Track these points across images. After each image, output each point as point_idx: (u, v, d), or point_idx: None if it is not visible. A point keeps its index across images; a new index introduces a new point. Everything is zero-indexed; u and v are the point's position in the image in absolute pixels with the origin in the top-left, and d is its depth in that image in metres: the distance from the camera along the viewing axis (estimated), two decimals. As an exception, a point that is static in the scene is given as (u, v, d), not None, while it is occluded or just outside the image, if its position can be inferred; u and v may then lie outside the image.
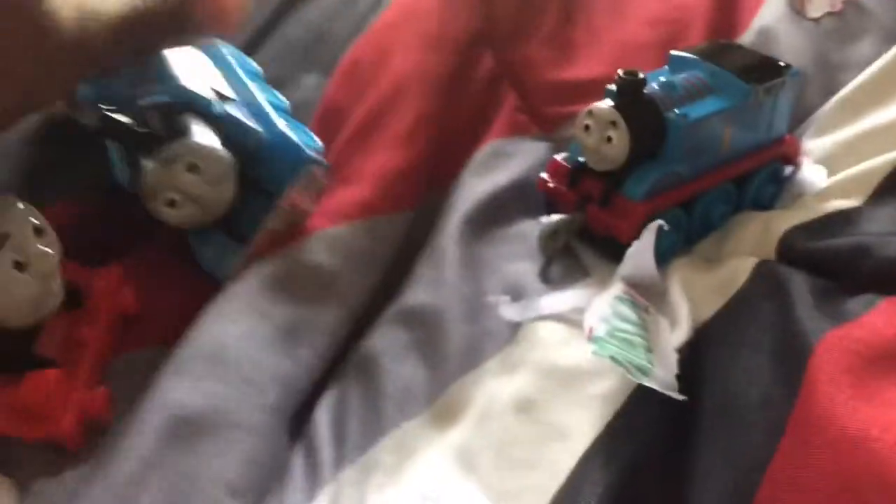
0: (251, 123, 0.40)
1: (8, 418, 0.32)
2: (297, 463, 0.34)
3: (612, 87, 0.41)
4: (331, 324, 0.37)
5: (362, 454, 0.34)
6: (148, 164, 0.37)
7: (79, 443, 0.33)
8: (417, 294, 0.40)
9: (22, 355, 0.33)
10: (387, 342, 0.38)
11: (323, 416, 0.35)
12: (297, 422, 0.36)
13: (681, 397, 0.33)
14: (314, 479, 0.33)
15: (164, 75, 0.40)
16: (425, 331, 0.38)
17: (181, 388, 0.33)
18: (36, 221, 0.33)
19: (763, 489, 0.30)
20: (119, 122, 0.37)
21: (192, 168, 0.37)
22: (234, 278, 0.38)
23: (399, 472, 0.34)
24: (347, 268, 0.39)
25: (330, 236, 0.40)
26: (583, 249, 0.43)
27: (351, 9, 0.55)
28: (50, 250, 0.33)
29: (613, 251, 0.41)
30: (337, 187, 0.42)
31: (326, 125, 0.47)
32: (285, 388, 0.34)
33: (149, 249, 0.41)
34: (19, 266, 0.32)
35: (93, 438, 0.33)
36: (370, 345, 0.38)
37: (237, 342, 0.35)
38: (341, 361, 0.38)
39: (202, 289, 0.38)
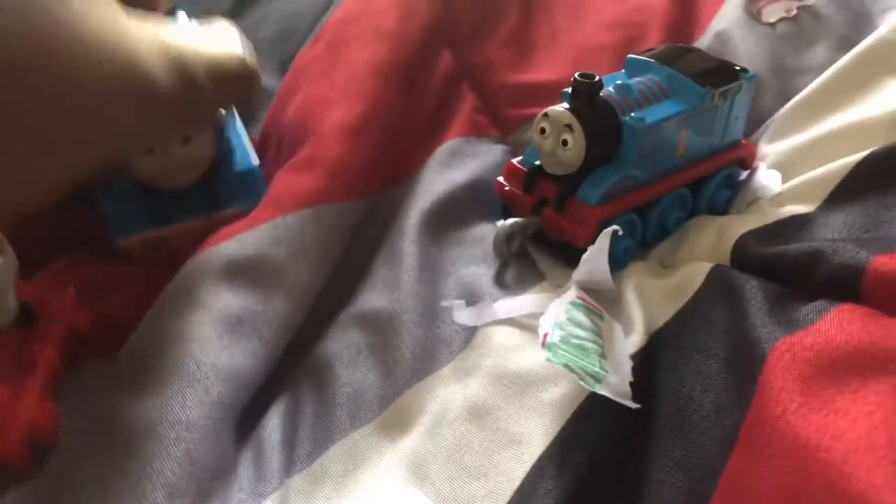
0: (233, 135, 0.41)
1: None
2: (245, 465, 0.33)
3: (568, 90, 0.41)
4: (280, 314, 0.37)
5: (311, 462, 0.34)
6: None
7: (23, 462, 0.31)
8: (374, 297, 0.39)
9: None
10: (341, 346, 0.37)
11: (275, 420, 0.35)
12: (250, 422, 0.35)
13: (634, 405, 0.32)
14: (261, 485, 0.32)
15: None
16: (380, 336, 0.38)
17: (123, 388, 0.32)
18: None
19: (716, 498, 0.29)
20: None
21: None
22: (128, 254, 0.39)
23: (348, 482, 0.33)
24: (295, 257, 0.38)
25: (276, 225, 0.39)
26: (538, 254, 0.43)
27: (309, 7, 0.55)
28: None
29: (569, 256, 0.40)
30: (284, 175, 0.41)
31: (275, 117, 0.47)
32: (230, 383, 0.33)
33: (81, 254, 0.40)
34: None
35: (39, 456, 0.32)
36: (324, 348, 0.37)
37: (182, 338, 0.34)
38: (298, 365, 0.37)
39: (146, 292, 0.37)
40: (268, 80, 0.51)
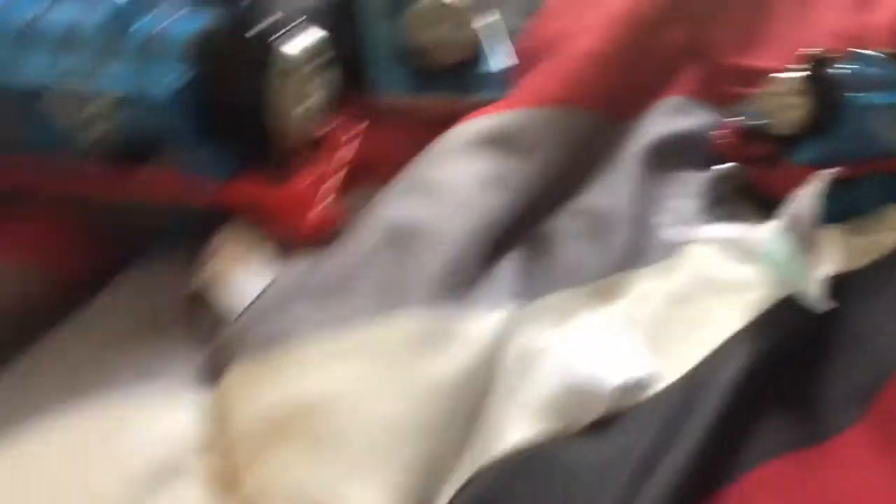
0: None
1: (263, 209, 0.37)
2: (483, 286, 0.37)
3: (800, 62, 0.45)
4: (532, 181, 0.41)
5: (533, 300, 0.38)
6: None
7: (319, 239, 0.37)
8: (598, 197, 0.44)
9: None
10: (567, 225, 0.43)
11: (510, 261, 0.39)
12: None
13: (827, 306, 0.36)
14: (494, 302, 0.37)
15: None
16: (598, 226, 0.42)
17: (399, 207, 0.37)
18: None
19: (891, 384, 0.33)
20: None
21: None
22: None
23: (566, 320, 0.38)
24: (541, 140, 0.43)
25: (527, 112, 0.43)
26: (743, 206, 0.47)
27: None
28: None
29: (773, 212, 0.44)
30: (535, 78, 0.46)
31: (525, 46, 0.52)
32: (488, 220, 0.38)
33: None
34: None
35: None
36: (553, 223, 0.42)
37: (452, 178, 0.39)
38: (531, 228, 0.42)
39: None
40: (516, 21, 0.56)
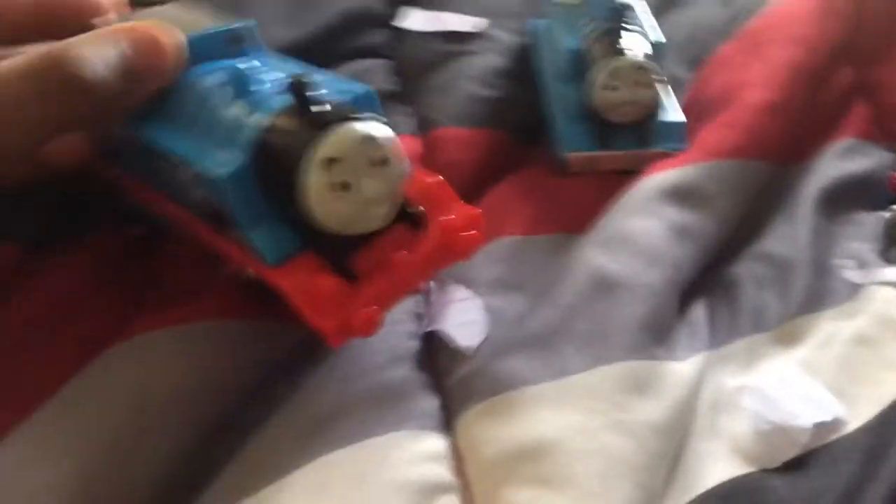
0: None
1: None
2: (677, 334, 0.41)
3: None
4: (713, 231, 0.44)
5: (719, 347, 0.41)
6: None
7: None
8: (775, 242, 0.47)
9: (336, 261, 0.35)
10: (747, 271, 0.45)
11: (700, 307, 0.43)
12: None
13: None
14: (689, 348, 0.40)
15: None
16: (779, 271, 0.45)
17: (598, 258, 0.41)
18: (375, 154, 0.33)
19: None
20: None
21: None
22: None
23: (751, 369, 0.41)
24: (722, 193, 0.46)
25: (707, 166, 0.47)
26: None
27: (722, 13, 0.63)
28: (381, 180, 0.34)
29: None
30: (711, 131, 0.49)
31: (693, 97, 0.55)
32: (678, 271, 0.42)
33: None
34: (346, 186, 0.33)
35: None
36: (734, 269, 0.45)
37: (642, 231, 0.42)
38: (712, 275, 0.45)
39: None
40: (679, 71, 0.59)
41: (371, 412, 0.36)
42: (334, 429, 0.35)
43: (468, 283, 0.43)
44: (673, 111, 0.52)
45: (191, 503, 0.35)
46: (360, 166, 0.33)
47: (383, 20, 0.66)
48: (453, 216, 0.37)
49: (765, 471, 0.36)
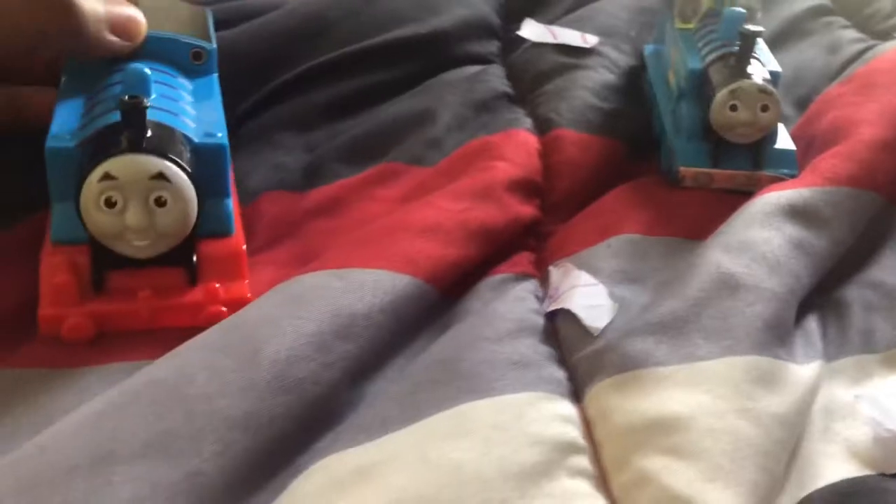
0: None
1: None
2: (795, 342, 0.42)
3: None
4: (827, 252, 0.46)
5: (832, 360, 0.43)
6: None
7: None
8: (883, 272, 0.48)
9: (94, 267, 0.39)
10: (856, 297, 0.46)
11: (813, 319, 0.44)
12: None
13: None
14: (806, 356, 0.41)
15: None
16: (887, 301, 0.46)
17: (724, 259, 0.43)
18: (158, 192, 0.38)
19: None
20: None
21: None
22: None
23: (860, 383, 0.42)
24: (837, 218, 0.47)
25: (825, 190, 0.48)
26: None
27: (830, 58, 0.65)
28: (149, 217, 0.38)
29: None
30: (823, 161, 0.51)
31: (800, 132, 0.57)
32: (796, 280, 0.43)
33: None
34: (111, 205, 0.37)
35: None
36: (844, 291, 0.47)
37: (763, 241, 0.44)
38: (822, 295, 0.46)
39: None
40: (784, 108, 0.61)
41: (508, 372, 0.37)
42: (473, 382, 0.36)
43: (591, 271, 0.45)
44: (784, 139, 0.54)
45: (326, 438, 0.36)
46: (133, 194, 0.37)
47: (495, 30, 0.69)
48: (222, 286, 0.41)
49: (883, 475, 0.37)
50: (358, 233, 0.45)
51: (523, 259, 0.48)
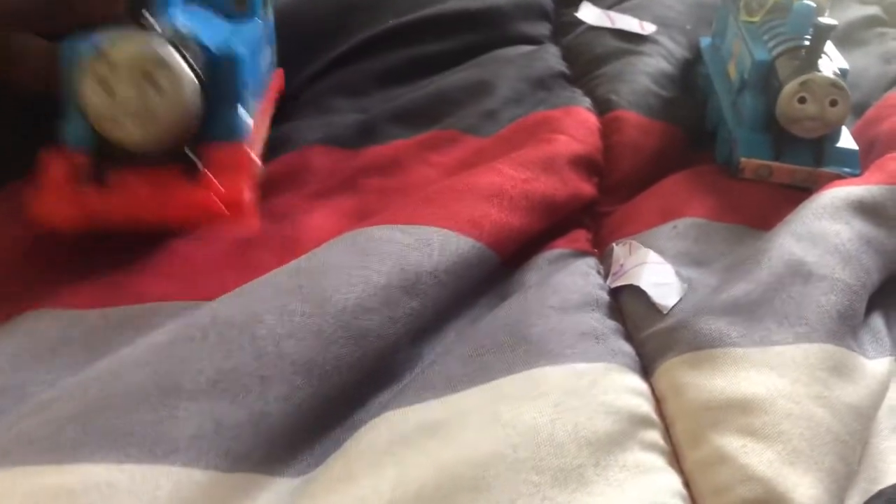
0: None
1: None
2: (864, 335, 0.41)
3: None
4: (890, 250, 0.44)
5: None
6: None
7: None
8: None
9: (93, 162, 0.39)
10: None
11: (878, 318, 0.43)
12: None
13: None
14: (877, 350, 0.40)
15: None
16: None
17: (795, 247, 0.41)
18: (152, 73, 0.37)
19: None
20: None
21: None
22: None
23: None
24: None
25: (891, 189, 0.47)
26: None
27: (885, 68, 0.65)
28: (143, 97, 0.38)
29: None
30: (890, 161, 0.50)
31: (859, 134, 0.56)
32: (867, 274, 0.42)
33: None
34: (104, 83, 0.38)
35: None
36: None
37: (833, 234, 0.43)
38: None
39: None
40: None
41: (577, 342, 0.36)
42: (544, 348, 0.35)
43: (654, 251, 0.43)
44: (847, 139, 0.53)
45: (386, 393, 0.35)
46: (127, 74, 0.37)
47: (548, 13, 0.68)
48: (222, 188, 0.40)
49: None
50: (423, 191, 0.44)
51: (580, 236, 0.47)
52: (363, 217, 0.43)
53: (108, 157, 0.38)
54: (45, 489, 0.27)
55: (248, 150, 0.41)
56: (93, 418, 0.28)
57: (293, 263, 0.37)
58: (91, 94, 0.37)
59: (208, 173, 0.39)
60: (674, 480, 0.32)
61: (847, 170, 0.52)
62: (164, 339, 0.32)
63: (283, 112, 0.53)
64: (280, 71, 0.55)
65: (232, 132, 0.41)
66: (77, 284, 0.39)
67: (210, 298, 0.36)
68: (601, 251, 0.46)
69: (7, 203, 0.42)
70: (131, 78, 0.37)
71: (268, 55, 0.51)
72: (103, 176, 0.39)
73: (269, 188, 0.47)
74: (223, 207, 0.39)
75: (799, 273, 0.40)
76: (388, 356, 0.36)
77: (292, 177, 0.49)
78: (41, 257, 0.40)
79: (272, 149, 0.50)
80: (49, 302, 0.38)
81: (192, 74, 0.37)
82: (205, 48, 0.40)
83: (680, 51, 0.63)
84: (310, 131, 0.53)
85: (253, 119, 0.43)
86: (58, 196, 0.38)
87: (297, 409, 0.32)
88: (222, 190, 0.39)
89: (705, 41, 0.63)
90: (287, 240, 0.43)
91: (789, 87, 0.50)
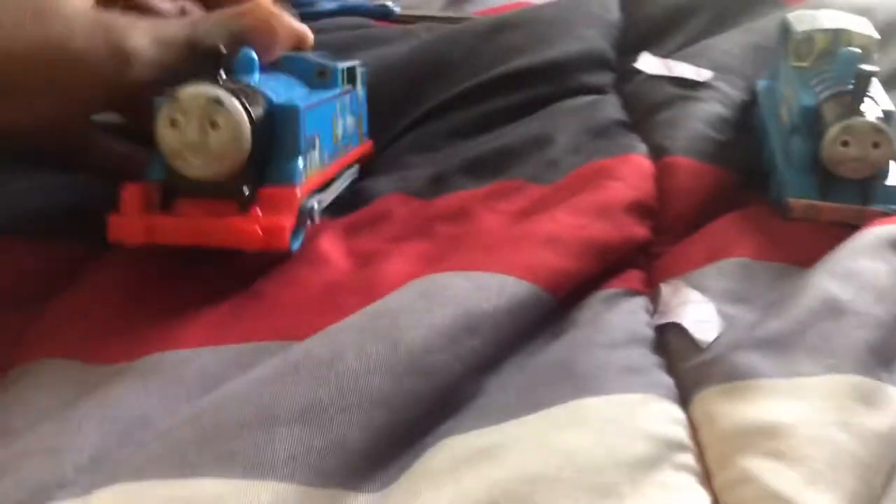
0: None
1: None
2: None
3: None
4: None
5: None
6: None
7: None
8: None
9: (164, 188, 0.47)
10: None
11: None
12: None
13: None
14: None
15: None
16: None
17: (830, 284, 0.45)
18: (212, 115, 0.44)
19: None
20: None
21: None
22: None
23: None
24: None
25: None
26: None
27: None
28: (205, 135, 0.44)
29: None
30: None
31: None
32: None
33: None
34: (174, 123, 0.44)
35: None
36: None
37: (870, 272, 0.46)
38: None
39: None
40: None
41: (621, 376, 0.40)
42: (590, 381, 0.40)
43: (700, 290, 0.47)
44: (894, 176, 0.56)
45: (449, 422, 0.40)
46: (194, 116, 0.43)
47: (610, 63, 0.72)
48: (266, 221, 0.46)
49: None
50: (484, 240, 0.49)
51: (633, 276, 0.51)
52: (436, 261, 0.49)
53: (175, 188, 0.46)
54: (170, 499, 0.33)
55: (297, 192, 0.48)
56: (206, 442, 0.35)
57: (370, 307, 0.42)
58: (164, 133, 0.44)
59: (256, 208, 0.46)
60: (703, 498, 0.36)
61: (895, 207, 0.54)
62: (263, 373, 0.38)
63: (366, 172, 0.60)
64: (370, 142, 0.62)
65: (284, 176, 0.48)
66: (187, 329, 0.45)
67: (301, 339, 0.42)
68: (653, 290, 0.50)
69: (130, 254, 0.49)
70: (194, 117, 0.44)
71: (351, 123, 0.57)
72: (171, 204, 0.46)
73: (352, 232, 0.53)
74: (262, 236, 0.46)
75: (832, 311, 0.43)
76: (452, 389, 0.41)
77: (373, 222, 0.56)
78: (153, 304, 0.47)
79: (355, 201, 0.57)
80: (167, 345, 0.44)
81: (245, 116, 0.44)
82: (268, 100, 0.47)
83: (737, 94, 0.67)
84: (388, 183, 0.59)
85: (320, 169, 0.51)
86: (129, 219, 0.46)
87: (373, 435, 0.37)
88: (264, 223, 0.46)
89: (762, 83, 0.66)
90: (368, 283, 0.48)
91: (832, 132, 0.53)
